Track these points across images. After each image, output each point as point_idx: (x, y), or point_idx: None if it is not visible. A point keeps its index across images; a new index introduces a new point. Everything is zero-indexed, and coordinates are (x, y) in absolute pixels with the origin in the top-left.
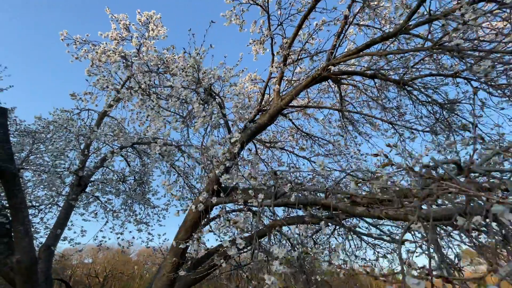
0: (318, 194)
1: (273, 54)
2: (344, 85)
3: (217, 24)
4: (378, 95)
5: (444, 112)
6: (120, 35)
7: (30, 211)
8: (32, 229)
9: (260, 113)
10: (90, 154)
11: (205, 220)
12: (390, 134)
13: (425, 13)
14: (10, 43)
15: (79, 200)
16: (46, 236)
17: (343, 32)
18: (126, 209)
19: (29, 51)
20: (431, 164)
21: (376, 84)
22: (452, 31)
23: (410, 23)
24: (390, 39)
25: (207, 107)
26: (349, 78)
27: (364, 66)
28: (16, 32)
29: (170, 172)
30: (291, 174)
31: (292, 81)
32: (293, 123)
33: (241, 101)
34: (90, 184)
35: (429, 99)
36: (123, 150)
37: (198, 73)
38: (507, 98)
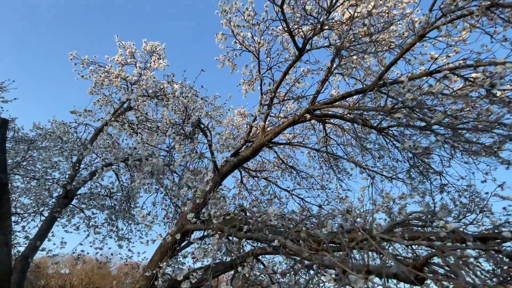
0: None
1: (262, 94)
2: (329, 124)
3: (211, 62)
4: (361, 135)
5: (417, 159)
6: (125, 60)
7: (13, 218)
8: (12, 237)
9: (247, 144)
10: (81, 169)
11: (178, 247)
12: (364, 176)
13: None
14: (18, 56)
15: (63, 212)
16: (25, 246)
17: (327, 79)
18: (109, 224)
19: (36, 65)
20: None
21: (356, 128)
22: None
23: (380, 82)
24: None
25: (189, 142)
26: (332, 118)
27: (345, 110)
28: (26, 48)
29: (158, 190)
30: (256, 213)
31: (279, 117)
32: (277, 155)
33: (228, 133)
34: (76, 197)
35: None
36: (115, 164)
37: (186, 111)
38: (470, 153)
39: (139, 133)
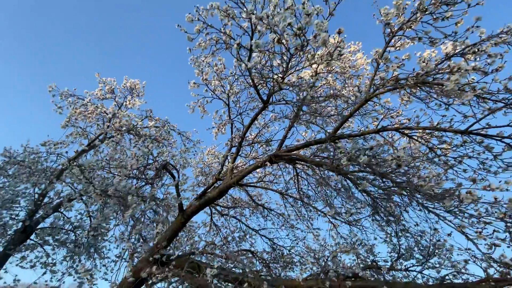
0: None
1: (232, 137)
2: (299, 165)
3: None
4: (327, 176)
5: (379, 202)
6: (103, 95)
7: None
8: None
9: (218, 182)
10: (44, 204)
11: None
12: (326, 220)
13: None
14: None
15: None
16: None
17: (292, 126)
18: (69, 260)
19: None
20: None
21: (320, 171)
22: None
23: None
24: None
25: (153, 186)
26: (297, 161)
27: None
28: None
29: (128, 223)
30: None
31: (251, 157)
32: (248, 194)
33: (200, 170)
34: (36, 231)
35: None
36: (84, 195)
37: (150, 154)
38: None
39: (97, 197)
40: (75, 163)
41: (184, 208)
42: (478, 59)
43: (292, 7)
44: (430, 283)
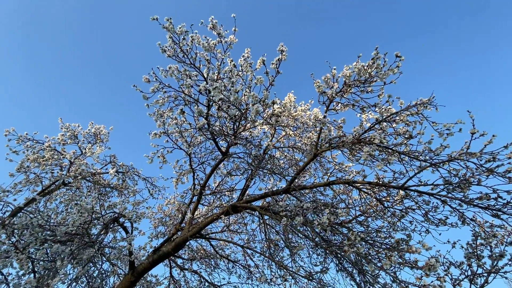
0: None
1: (194, 185)
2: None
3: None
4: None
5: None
6: (65, 141)
7: None
8: None
9: (178, 232)
10: None
11: None
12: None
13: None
14: None
15: None
16: None
17: (253, 177)
18: None
19: None
20: None
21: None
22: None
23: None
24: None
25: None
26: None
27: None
28: None
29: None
30: None
31: (214, 206)
32: (211, 245)
33: (159, 220)
34: None
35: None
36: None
37: (92, 214)
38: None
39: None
40: (4, 223)
41: (136, 266)
42: (396, 125)
43: (236, 75)
44: None
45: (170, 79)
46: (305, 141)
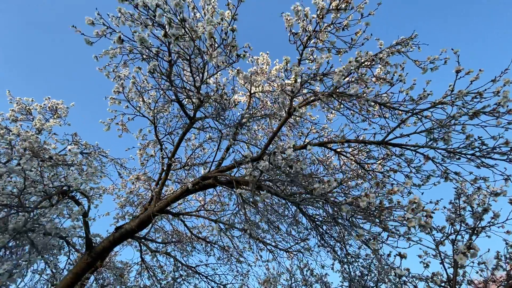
0: None
1: (162, 159)
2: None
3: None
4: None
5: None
6: (15, 116)
7: None
8: None
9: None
10: None
11: None
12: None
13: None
14: None
15: None
16: None
17: (227, 150)
18: None
19: None
20: None
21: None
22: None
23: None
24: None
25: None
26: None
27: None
28: None
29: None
30: None
31: (186, 182)
32: (185, 225)
33: (125, 199)
34: None
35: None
36: None
37: (25, 181)
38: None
39: None
40: None
41: (94, 245)
42: (381, 68)
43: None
44: None
45: (123, 27)
46: (276, 105)
